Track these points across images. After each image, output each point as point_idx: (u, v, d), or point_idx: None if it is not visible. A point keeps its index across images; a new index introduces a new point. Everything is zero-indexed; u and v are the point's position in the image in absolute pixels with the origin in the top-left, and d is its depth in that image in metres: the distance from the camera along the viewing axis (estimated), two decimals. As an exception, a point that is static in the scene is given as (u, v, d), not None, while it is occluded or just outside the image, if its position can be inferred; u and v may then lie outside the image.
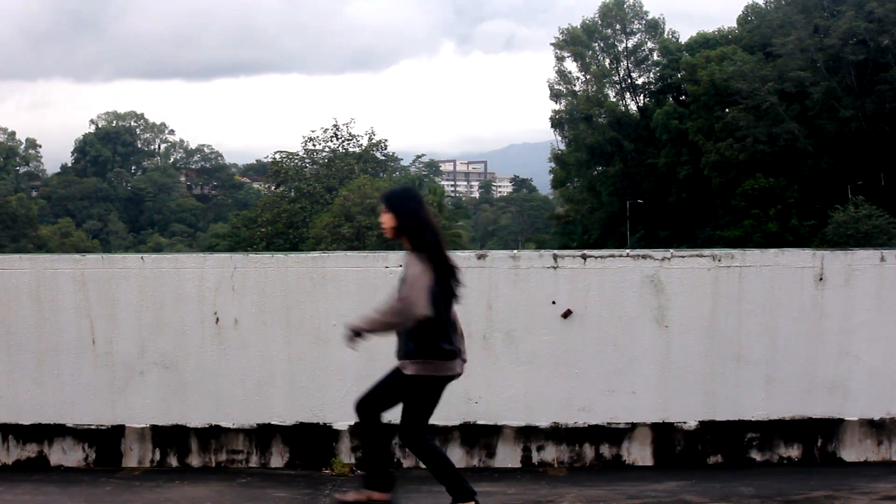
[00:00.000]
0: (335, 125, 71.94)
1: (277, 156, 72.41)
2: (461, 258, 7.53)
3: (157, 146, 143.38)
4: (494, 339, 7.47)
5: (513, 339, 7.48)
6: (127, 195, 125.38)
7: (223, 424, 7.53)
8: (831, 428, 7.58)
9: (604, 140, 72.46)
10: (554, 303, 7.48)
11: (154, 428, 7.54)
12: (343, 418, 7.36)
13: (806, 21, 60.93)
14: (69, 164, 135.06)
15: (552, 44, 78.13)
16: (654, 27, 77.30)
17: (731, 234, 60.59)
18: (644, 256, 7.56)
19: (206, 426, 7.53)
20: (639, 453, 7.52)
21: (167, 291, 7.51)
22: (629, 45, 77.20)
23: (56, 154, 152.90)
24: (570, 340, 7.48)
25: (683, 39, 76.76)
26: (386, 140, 74.09)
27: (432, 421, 6.80)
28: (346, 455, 7.44)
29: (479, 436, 7.50)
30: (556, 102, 77.26)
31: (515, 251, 7.64)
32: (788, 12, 63.09)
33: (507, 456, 7.50)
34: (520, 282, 7.49)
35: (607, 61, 77.14)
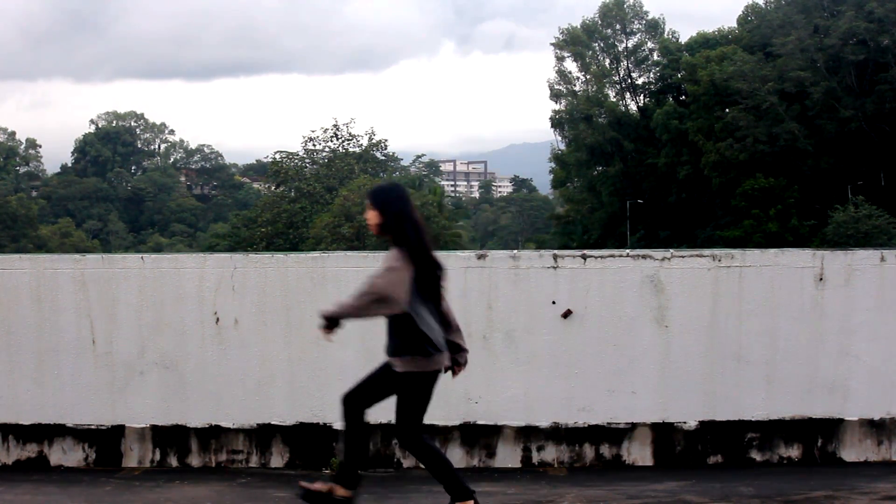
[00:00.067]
0: (335, 125, 72.01)
1: (277, 156, 72.43)
2: (461, 258, 7.53)
3: (157, 146, 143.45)
4: (494, 339, 7.47)
5: (513, 339, 7.48)
6: (127, 195, 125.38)
7: (223, 424, 7.53)
8: (831, 428, 7.58)
9: (604, 140, 72.48)
10: (554, 303, 7.48)
11: (154, 428, 7.54)
12: (343, 418, 7.35)
13: (806, 21, 60.94)
14: (69, 164, 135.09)
15: (552, 44, 78.24)
16: (654, 27, 77.33)
17: (731, 234, 60.60)
18: (644, 256, 7.56)
19: (207, 426, 7.53)
20: (639, 453, 7.52)
21: (167, 291, 7.51)
22: (629, 45, 77.24)
23: (56, 154, 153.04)
24: (570, 340, 7.48)
25: (683, 39, 76.85)
26: (386, 140, 74.16)
27: (432, 421, 6.79)
28: (346, 455, 7.43)
29: (479, 436, 7.50)
30: (556, 102, 77.37)
31: (515, 251, 7.64)
32: (788, 12, 63.10)
33: (507, 456, 7.50)
34: (520, 282, 7.49)
35: (607, 61, 77.16)
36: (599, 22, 77.35)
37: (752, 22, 69.85)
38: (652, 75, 76.96)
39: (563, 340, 7.48)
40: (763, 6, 70.19)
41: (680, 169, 68.61)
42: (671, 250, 7.60)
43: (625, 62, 77.20)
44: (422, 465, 6.18)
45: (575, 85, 76.78)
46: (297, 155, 72.38)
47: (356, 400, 5.87)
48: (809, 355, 7.54)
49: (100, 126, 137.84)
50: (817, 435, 7.58)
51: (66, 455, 7.57)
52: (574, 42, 76.04)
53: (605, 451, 7.52)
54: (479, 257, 7.55)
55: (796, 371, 7.54)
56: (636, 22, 77.44)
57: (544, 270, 7.50)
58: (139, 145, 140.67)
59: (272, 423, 7.52)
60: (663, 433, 7.53)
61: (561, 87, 76.85)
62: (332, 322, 5.72)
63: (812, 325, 7.55)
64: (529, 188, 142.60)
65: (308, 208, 64.48)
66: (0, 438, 7.59)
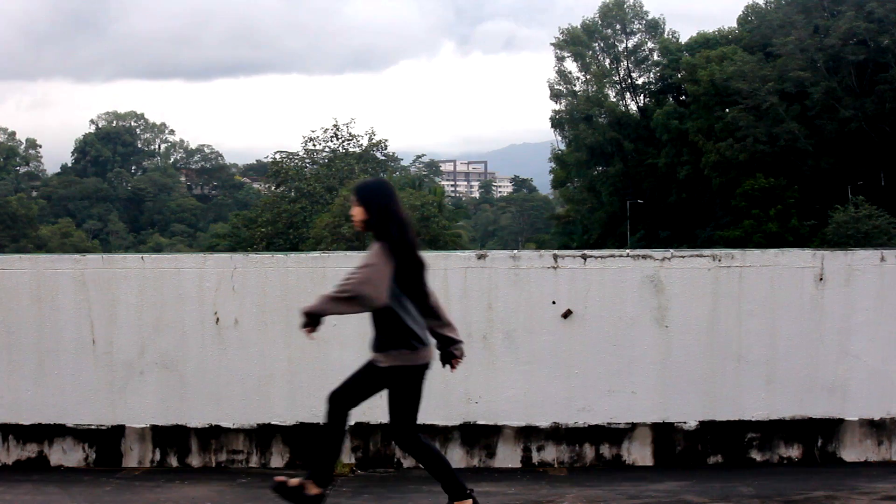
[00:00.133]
0: (335, 125, 71.85)
1: (277, 156, 72.39)
2: (461, 258, 7.54)
3: (157, 146, 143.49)
4: (494, 339, 7.47)
5: (513, 339, 7.48)
6: (127, 195, 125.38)
7: (223, 424, 7.53)
8: (831, 428, 7.58)
9: (604, 140, 72.47)
10: (554, 303, 7.48)
11: (154, 428, 7.54)
12: (343, 418, 7.35)
13: (806, 21, 60.94)
14: (69, 164, 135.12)
15: (552, 44, 78.21)
16: (654, 27, 77.30)
17: (731, 234, 60.58)
18: (644, 256, 7.56)
19: (207, 426, 7.53)
20: (639, 453, 7.53)
21: (167, 291, 7.51)
22: (629, 45, 77.22)
23: (56, 154, 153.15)
24: (570, 340, 7.48)
25: (683, 39, 76.79)
26: (386, 140, 74.03)
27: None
28: (346, 455, 7.43)
29: (480, 436, 7.50)
30: (556, 102, 77.35)
31: (515, 251, 7.64)
32: (788, 12, 63.08)
33: (508, 456, 7.50)
34: (520, 282, 7.49)
35: (607, 61, 77.16)
36: (599, 22, 77.34)
37: (752, 22, 69.85)
38: (652, 75, 76.96)
39: (564, 340, 7.48)
40: (763, 6, 70.18)
41: (680, 169, 68.60)
42: (671, 250, 7.60)
43: (625, 62, 77.19)
44: (422, 466, 6.18)
45: (575, 85, 76.79)
46: (298, 155, 72.34)
47: (342, 399, 5.83)
48: (809, 355, 7.54)
49: (100, 126, 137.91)
50: (817, 435, 7.58)
51: (66, 455, 7.57)
52: (574, 42, 76.04)
53: (606, 451, 7.52)
54: (480, 257, 7.55)
55: (796, 371, 7.54)
56: (636, 22, 77.42)
57: (544, 270, 7.50)
58: (139, 145, 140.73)
59: (272, 423, 7.52)
60: (663, 433, 7.53)
61: (561, 88, 76.86)
62: (312, 319, 5.67)
63: (812, 325, 7.55)
64: (529, 188, 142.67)
65: (308, 208, 64.46)
66: (0, 438, 7.59)
